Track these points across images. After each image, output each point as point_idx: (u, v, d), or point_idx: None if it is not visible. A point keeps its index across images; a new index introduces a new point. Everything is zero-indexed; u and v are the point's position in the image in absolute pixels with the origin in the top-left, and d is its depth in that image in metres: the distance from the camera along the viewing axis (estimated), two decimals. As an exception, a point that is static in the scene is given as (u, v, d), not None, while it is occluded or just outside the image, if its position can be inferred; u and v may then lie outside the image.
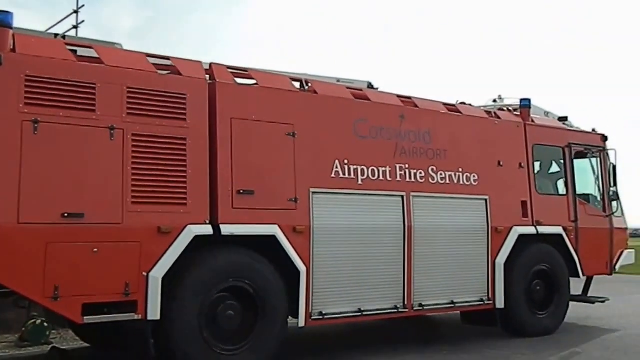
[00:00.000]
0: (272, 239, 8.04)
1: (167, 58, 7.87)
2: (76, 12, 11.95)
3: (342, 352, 9.66)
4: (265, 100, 8.30)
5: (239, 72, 8.43)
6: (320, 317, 8.47)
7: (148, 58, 7.67)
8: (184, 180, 7.44)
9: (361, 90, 9.67)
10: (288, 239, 8.13)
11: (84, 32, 11.71)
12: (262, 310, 7.94)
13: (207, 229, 7.54)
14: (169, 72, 7.74)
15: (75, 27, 11.62)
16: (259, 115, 8.14)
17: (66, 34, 9.99)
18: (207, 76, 7.97)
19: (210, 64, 8.09)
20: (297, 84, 8.92)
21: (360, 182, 8.96)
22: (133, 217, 7.10)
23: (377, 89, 10.44)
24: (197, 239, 7.42)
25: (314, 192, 8.50)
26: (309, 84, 8.98)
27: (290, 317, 8.34)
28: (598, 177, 12.36)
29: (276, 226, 8.06)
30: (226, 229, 7.66)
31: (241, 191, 7.82)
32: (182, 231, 7.34)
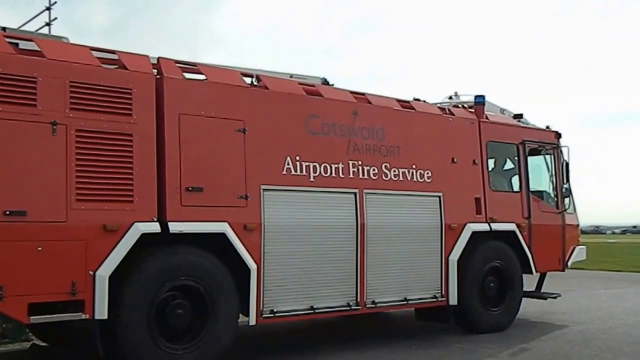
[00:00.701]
0: (222, 236, 7.91)
1: (113, 52, 7.68)
2: (49, 9, 11.63)
3: (310, 349, 9.59)
4: (214, 96, 8.16)
5: (187, 66, 8.27)
6: (272, 315, 8.38)
7: (93, 52, 7.47)
8: (130, 177, 7.28)
9: (314, 86, 9.57)
10: (238, 237, 8.00)
11: (57, 30, 11.37)
12: (212, 309, 7.81)
13: (155, 227, 7.38)
14: (116, 66, 7.57)
15: (48, 24, 11.31)
16: (208, 111, 8.00)
17: (39, 31, 9.73)
18: (155, 71, 7.80)
19: (158, 59, 7.93)
20: (247, 80, 8.80)
21: (312, 179, 8.88)
22: (77, 215, 6.92)
23: (332, 85, 10.37)
24: (145, 237, 7.26)
25: (265, 189, 8.39)
26: (260, 80, 8.86)
27: (241, 315, 8.24)
28: (551, 174, 12.44)
29: (226, 224, 7.94)
30: (174, 227, 7.51)
31: (190, 188, 7.68)
32: (128, 229, 7.18)
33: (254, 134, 8.35)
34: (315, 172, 8.92)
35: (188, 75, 8.20)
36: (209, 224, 7.84)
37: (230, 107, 8.25)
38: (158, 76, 7.75)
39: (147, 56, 7.86)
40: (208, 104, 8.04)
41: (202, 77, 8.31)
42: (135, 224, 7.22)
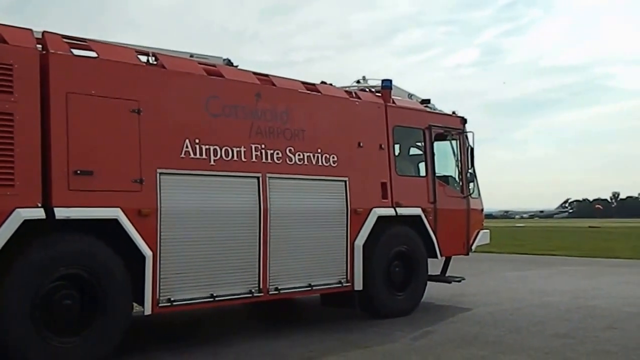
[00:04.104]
0: (114, 222, 7.51)
1: (-8, 25, 7.14)
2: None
3: (223, 336, 9.29)
4: (106, 74, 7.70)
5: (76, 42, 7.80)
6: (169, 304, 8.03)
7: (-31, 25, 6.93)
8: (11, 159, 6.78)
9: (215, 66, 9.23)
10: (132, 223, 7.62)
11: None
12: (104, 299, 7.42)
13: (39, 213, 6.92)
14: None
15: None
16: (100, 90, 7.55)
17: None
18: (40, 46, 7.30)
19: (43, 33, 7.44)
20: (143, 58, 8.39)
21: (212, 162, 8.55)
22: None
23: (236, 66, 10.03)
24: (28, 224, 6.79)
25: (161, 173, 8.02)
26: (157, 59, 8.47)
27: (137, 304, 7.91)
28: (457, 159, 12.47)
29: (118, 209, 7.54)
30: (61, 213, 7.06)
31: (78, 172, 7.23)
32: (9, 215, 6.69)
33: (149, 115, 7.96)
34: (215, 155, 8.60)
35: (77, 52, 7.72)
36: (99, 210, 7.42)
37: (124, 87, 7.82)
38: (43, 52, 7.25)
39: (30, 30, 7.35)
40: (99, 82, 7.58)
41: (93, 54, 7.84)
42: (17, 209, 6.73)
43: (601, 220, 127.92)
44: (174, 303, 8.09)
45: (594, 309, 11.70)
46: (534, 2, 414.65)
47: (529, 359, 8.04)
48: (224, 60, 9.94)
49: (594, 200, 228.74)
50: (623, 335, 9.39)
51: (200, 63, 9.09)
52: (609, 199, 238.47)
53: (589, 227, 73.65)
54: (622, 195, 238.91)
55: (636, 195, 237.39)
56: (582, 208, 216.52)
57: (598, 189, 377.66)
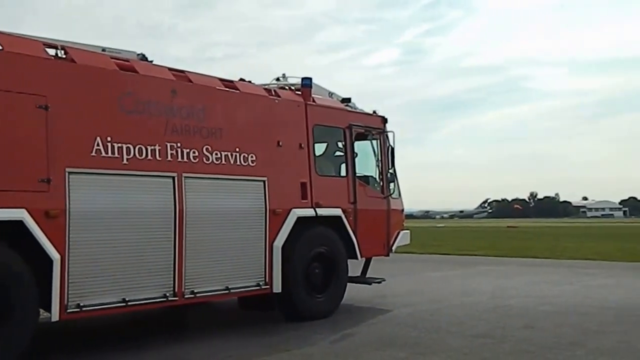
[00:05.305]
0: (19, 224, 7.12)
1: None
2: None
3: (142, 342, 8.94)
4: (10, 68, 7.29)
5: (-24, 34, 7.38)
6: (78, 309, 7.67)
7: None
8: None
9: (128, 61, 8.90)
10: (39, 225, 7.24)
11: None
12: (7, 305, 7.03)
13: None
14: None
15: None
16: (3, 84, 7.15)
17: None
18: None
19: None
20: (51, 51, 7.99)
21: (125, 161, 8.22)
22: None
23: (151, 61, 9.71)
24: None
25: (70, 173, 7.65)
26: (67, 52, 8.09)
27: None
28: (377, 159, 12.41)
29: (24, 210, 7.15)
30: (-40, 214, 6.63)
31: (-21, 170, 6.82)
32: None
33: (58, 112, 7.60)
34: (129, 154, 8.27)
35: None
36: (3, 211, 7.02)
37: (30, 81, 7.43)
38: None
39: None
40: (3, 76, 7.18)
41: (-4, 46, 7.42)
42: None
43: (519, 220, 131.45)
44: (84, 309, 7.73)
45: (511, 309, 11.84)
46: (455, 2, 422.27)
47: (448, 360, 8.02)
48: (138, 55, 9.62)
49: (513, 200, 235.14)
50: (540, 334, 9.49)
51: (112, 58, 8.75)
52: (526, 199, 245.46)
53: (508, 227, 75.50)
54: (540, 195, 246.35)
55: (553, 195, 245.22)
56: (501, 208, 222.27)
57: (516, 189, 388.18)
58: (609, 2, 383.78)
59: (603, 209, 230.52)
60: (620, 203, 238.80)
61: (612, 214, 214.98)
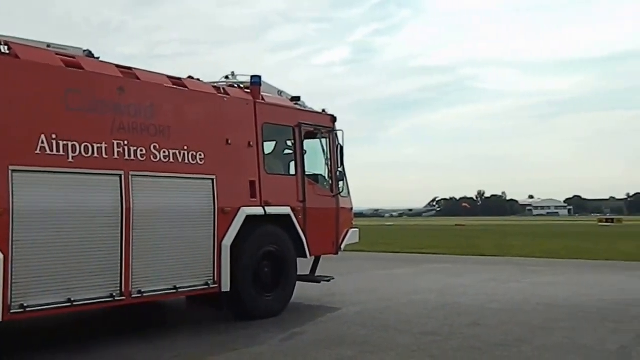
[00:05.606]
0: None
1: None
2: None
3: (87, 343, 8.77)
4: None
5: None
6: (22, 310, 7.50)
7: None
8: None
9: (74, 57, 8.74)
10: None
11: None
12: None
13: None
14: None
15: None
16: None
17: None
18: None
19: None
20: (-5, 47, 7.80)
21: (71, 159, 8.07)
22: None
23: (98, 58, 9.55)
24: None
25: (14, 171, 7.49)
26: (10, 48, 7.90)
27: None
28: (326, 157, 12.43)
29: (-36, 209, 6.97)
30: None
31: None
32: None
33: (1, 109, 7.44)
34: (74, 152, 8.12)
35: None
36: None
37: None
38: None
39: None
40: None
41: None
42: None
43: (467, 218, 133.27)
44: (28, 309, 7.57)
45: (459, 306, 11.98)
46: (404, 2, 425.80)
47: (397, 357, 8.06)
48: (85, 51, 9.43)
49: (461, 198, 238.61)
50: (487, 331, 9.62)
51: (57, 54, 8.57)
52: (474, 198, 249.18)
53: (456, 225, 76.56)
54: (487, 194, 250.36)
55: (500, 193, 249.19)
56: (450, 206, 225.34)
57: (465, 188, 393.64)
58: (560, 5, 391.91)
59: (549, 207, 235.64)
60: (565, 201, 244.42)
61: (558, 212, 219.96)
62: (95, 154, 8.35)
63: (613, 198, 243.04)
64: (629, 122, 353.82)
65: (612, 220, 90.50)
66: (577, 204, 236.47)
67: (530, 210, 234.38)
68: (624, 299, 12.97)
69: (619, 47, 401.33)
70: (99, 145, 8.40)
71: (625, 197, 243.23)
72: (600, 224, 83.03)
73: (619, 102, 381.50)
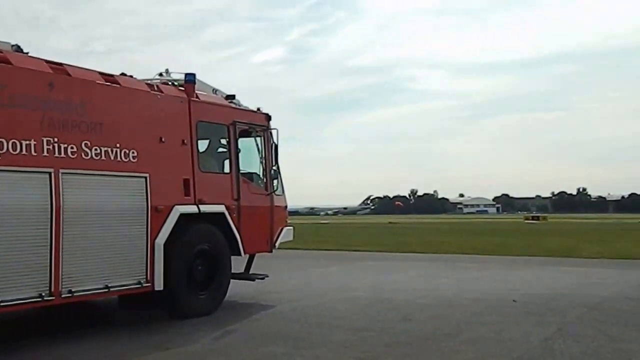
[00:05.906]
0: None
1: None
2: None
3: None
4: None
5: None
6: None
7: None
8: None
9: (1, 52, 8.52)
10: None
11: None
12: None
13: None
14: None
15: None
16: None
17: None
18: None
19: None
20: None
21: None
22: None
23: (27, 53, 9.33)
24: None
25: None
26: None
27: None
28: (261, 155, 12.44)
29: None
30: None
31: None
32: None
33: None
34: (2, 148, 7.91)
35: None
36: None
37: None
38: None
39: None
40: None
41: None
42: None
43: (401, 216, 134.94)
44: None
45: (391, 302, 12.18)
46: (339, 3, 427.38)
47: (330, 354, 8.15)
48: (13, 46, 9.18)
49: (394, 197, 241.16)
50: (417, 326, 9.82)
51: (-17, 48, 8.35)
52: (407, 196, 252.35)
53: (389, 222, 77.45)
54: (420, 192, 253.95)
55: (432, 192, 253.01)
56: (383, 205, 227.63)
57: (398, 187, 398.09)
58: (488, 8, 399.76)
59: (478, 205, 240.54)
60: (493, 200, 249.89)
61: (487, 210, 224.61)
62: (24, 151, 8.15)
63: (539, 196, 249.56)
64: (550, 123, 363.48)
65: (537, 218, 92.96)
66: (505, 202, 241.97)
67: (461, 208, 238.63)
68: (548, 293, 13.39)
69: (542, 50, 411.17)
70: (27, 142, 8.20)
71: (550, 195, 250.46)
72: (526, 221, 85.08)
73: (540, 103, 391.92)
